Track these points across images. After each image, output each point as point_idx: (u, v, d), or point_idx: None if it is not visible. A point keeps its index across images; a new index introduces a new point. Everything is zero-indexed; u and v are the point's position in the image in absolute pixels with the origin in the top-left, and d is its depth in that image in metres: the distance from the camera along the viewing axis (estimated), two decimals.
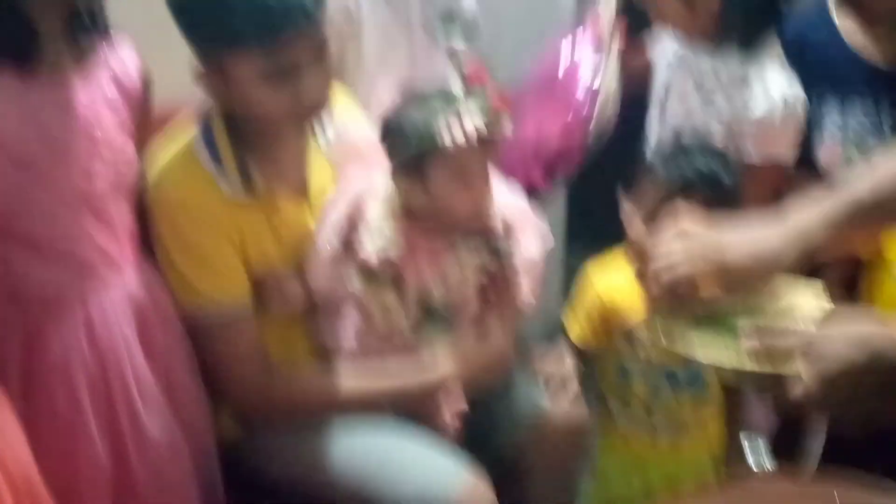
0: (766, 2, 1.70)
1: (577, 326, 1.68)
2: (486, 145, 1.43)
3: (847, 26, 1.72)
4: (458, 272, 1.50)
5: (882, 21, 1.68)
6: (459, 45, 1.48)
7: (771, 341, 1.01)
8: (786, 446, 1.90)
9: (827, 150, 1.71)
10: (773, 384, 0.99)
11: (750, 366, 1.01)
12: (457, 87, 1.43)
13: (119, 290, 1.32)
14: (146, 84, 1.41)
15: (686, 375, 1.63)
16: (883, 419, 0.95)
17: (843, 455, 1.59)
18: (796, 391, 0.95)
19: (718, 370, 1.07)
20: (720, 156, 1.58)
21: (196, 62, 1.36)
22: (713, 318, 1.14)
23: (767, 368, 1.00)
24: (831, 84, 1.71)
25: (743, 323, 1.10)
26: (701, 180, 1.51)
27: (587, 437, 1.61)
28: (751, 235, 1.14)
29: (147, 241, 1.41)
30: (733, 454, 1.72)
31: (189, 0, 1.33)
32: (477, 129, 1.40)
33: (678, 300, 1.14)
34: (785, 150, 1.69)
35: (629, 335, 1.61)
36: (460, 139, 1.39)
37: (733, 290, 1.13)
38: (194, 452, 1.39)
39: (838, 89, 1.70)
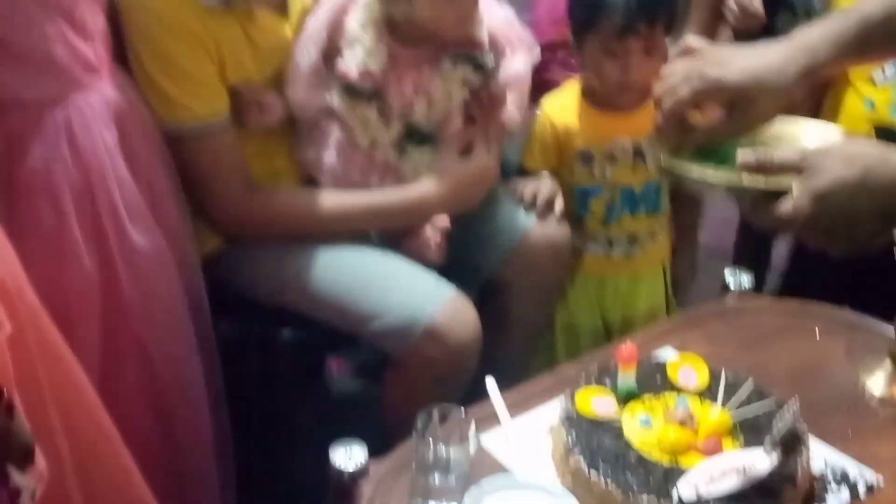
0: None
1: (532, 154, 1.68)
2: None
3: None
4: (442, 87, 1.47)
5: None
6: None
7: (765, 155, 0.99)
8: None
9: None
10: (765, 199, 0.98)
11: (743, 180, 1.00)
12: None
13: (97, 95, 1.28)
14: None
15: (640, 193, 1.67)
16: (869, 240, 0.95)
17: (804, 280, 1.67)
18: (787, 206, 0.94)
19: (712, 186, 1.05)
20: None
21: None
22: (712, 149, 1.12)
23: (761, 183, 0.98)
24: None
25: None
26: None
27: (568, 255, 1.63)
28: (753, 52, 1.10)
29: (121, 50, 1.37)
30: (682, 262, 1.82)
31: None
32: None
33: (681, 127, 1.11)
34: None
35: (585, 157, 1.63)
36: None
37: (733, 111, 1.09)
38: (179, 263, 1.39)
39: None
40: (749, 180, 0.99)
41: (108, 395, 1.14)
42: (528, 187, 1.59)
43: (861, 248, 0.96)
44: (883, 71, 1.61)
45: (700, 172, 1.05)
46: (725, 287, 1.42)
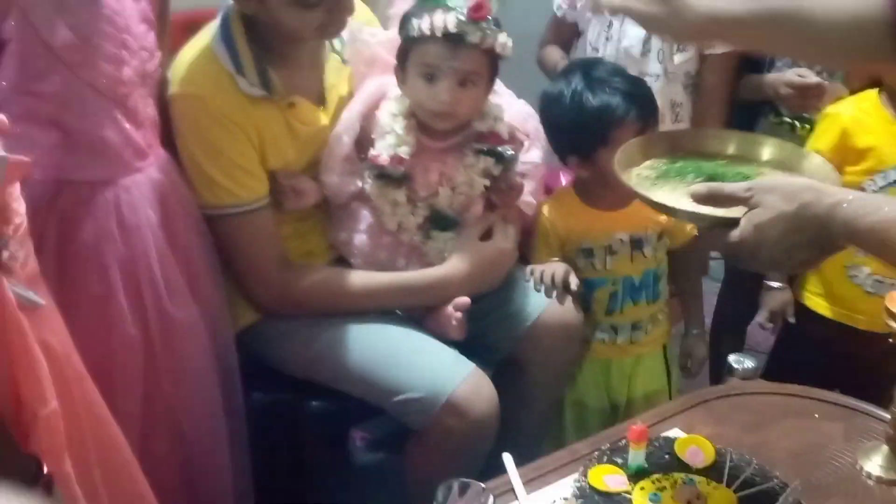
0: None
1: (538, 252, 1.75)
2: (459, 47, 1.47)
3: None
4: (465, 176, 1.56)
5: None
6: None
7: (716, 188, 1.10)
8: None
9: None
10: (715, 226, 1.09)
11: (697, 207, 1.10)
12: None
13: (144, 177, 1.38)
14: None
15: (640, 281, 1.75)
16: (806, 266, 1.04)
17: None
18: (733, 234, 1.04)
19: (672, 210, 1.14)
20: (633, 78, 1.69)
21: None
22: (673, 175, 1.22)
23: (710, 211, 1.09)
24: None
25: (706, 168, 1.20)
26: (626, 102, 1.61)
27: (580, 335, 1.70)
28: None
29: (168, 135, 1.47)
30: (691, 337, 1.90)
31: None
32: (445, 26, 1.44)
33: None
34: None
35: (587, 251, 1.72)
36: (425, 30, 1.45)
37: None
38: (213, 337, 1.47)
39: None
40: (701, 208, 1.09)
41: (143, 456, 1.21)
42: (544, 271, 1.67)
43: (798, 272, 1.06)
44: (872, 181, 1.70)
45: (662, 199, 1.13)
46: (730, 370, 1.49)
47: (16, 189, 1.01)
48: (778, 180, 1.09)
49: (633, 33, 1.87)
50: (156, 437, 1.38)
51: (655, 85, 1.86)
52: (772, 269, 1.14)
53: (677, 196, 1.14)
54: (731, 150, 1.28)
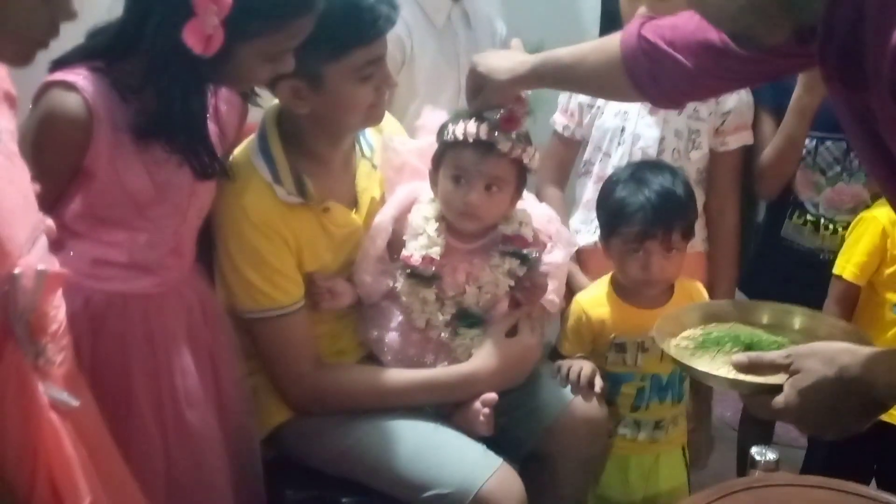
0: None
1: (568, 341, 1.81)
2: (489, 154, 1.57)
3: None
4: (491, 277, 1.63)
5: None
6: None
7: (757, 358, 1.17)
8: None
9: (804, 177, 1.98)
10: (760, 393, 1.15)
11: (737, 375, 1.18)
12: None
13: (174, 292, 1.45)
14: (243, 116, 1.57)
15: (668, 380, 1.80)
16: (856, 427, 1.08)
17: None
18: (779, 401, 1.10)
19: (714, 378, 1.22)
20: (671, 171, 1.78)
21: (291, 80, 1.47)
22: (710, 345, 1.30)
23: (752, 378, 1.16)
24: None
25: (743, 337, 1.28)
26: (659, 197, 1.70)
27: (605, 430, 1.73)
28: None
29: (208, 239, 1.54)
30: (700, 434, 1.99)
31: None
32: (477, 134, 1.55)
33: None
34: (749, 133, 1.98)
35: (619, 346, 1.77)
36: (459, 136, 1.56)
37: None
38: (234, 445, 1.50)
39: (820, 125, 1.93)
40: (746, 377, 1.18)
41: None
42: (571, 367, 1.71)
43: (849, 434, 1.10)
44: None
45: (705, 370, 1.22)
46: (752, 463, 1.51)
47: (55, 297, 1.06)
48: (816, 345, 1.15)
49: (648, 134, 1.93)
50: None
51: None
52: (819, 433, 1.19)
53: (717, 364, 1.24)
54: (764, 319, 1.39)
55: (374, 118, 1.59)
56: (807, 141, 1.95)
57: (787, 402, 1.09)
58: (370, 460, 1.56)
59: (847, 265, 1.85)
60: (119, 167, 1.31)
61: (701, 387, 1.93)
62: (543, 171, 1.92)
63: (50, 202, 1.27)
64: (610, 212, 1.75)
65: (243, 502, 1.52)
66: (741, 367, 1.16)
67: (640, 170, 1.78)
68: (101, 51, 1.31)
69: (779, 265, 2.04)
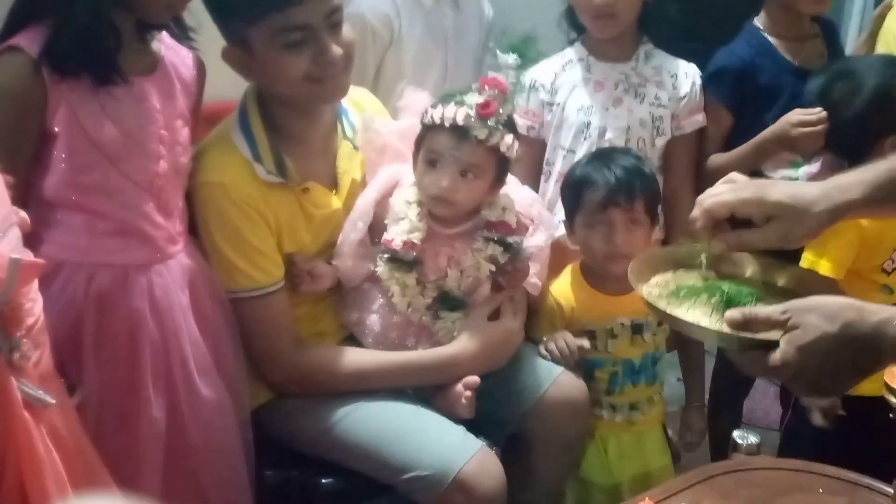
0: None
1: (541, 328, 1.80)
2: (464, 140, 1.55)
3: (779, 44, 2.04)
4: (473, 260, 1.62)
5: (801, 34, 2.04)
6: (509, 59, 1.62)
7: (751, 312, 1.10)
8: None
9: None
10: (753, 350, 1.09)
11: (728, 330, 1.11)
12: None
13: (175, 262, 1.45)
14: (201, 73, 1.56)
15: (640, 364, 1.80)
16: (850, 386, 1.05)
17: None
18: (776, 356, 1.04)
19: (702, 331, 1.16)
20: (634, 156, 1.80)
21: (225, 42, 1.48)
22: (699, 290, 1.23)
23: (748, 334, 1.10)
24: (773, 95, 1.99)
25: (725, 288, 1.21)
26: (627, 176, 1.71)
27: (586, 410, 1.73)
28: (792, 184, 1.25)
29: (191, 221, 1.54)
30: (691, 410, 2.01)
31: None
32: (454, 118, 1.53)
33: (714, 227, 1.21)
34: (702, 115, 2.01)
35: (589, 333, 1.77)
36: (436, 120, 1.54)
37: (766, 224, 1.19)
38: (238, 414, 1.51)
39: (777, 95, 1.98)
40: (737, 332, 1.10)
41: None
42: (557, 342, 1.71)
43: (842, 393, 1.06)
44: (892, 260, 1.80)
45: (695, 321, 1.15)
46: (734, 446, 1.52)
47: (31, 289, 1.05)
48: (814, 300, 1.08)
49: (614, 125, 1.94)
50: None
51: None
52: (815, 392, 1.13)
53: (697, 316, 1.17)
54: (747, 272, 1.31)
55: (326, 93, 1.55)
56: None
57: (784, 358, 1.03)
58: (350, 442, 1.56)
59: (821, 261, 1.84)
60: (83, 121, 1.32)
61: (692, 365, 1.93)
62: (515, 173, 1.90)
63: (25, 177, 1.27)
64: (574, 185, 1.77)
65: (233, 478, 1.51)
66: (735, 325, 1.09)
67: (604, 152, 1.82)
68: (31, 9, 1.32)
69: None
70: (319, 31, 1.46)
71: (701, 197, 1.24)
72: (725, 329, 1.12)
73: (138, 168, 1.38)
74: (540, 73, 1.98)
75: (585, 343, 1.72)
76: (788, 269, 1.32)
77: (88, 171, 1.35)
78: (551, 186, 1.98)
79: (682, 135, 1.99)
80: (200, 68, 1.55)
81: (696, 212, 1.23)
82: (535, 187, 2.00)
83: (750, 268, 1.32)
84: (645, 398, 1.83)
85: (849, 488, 1.40)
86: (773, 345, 1.06)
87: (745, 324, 1.10)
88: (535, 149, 2.00)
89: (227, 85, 1.58)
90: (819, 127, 1.83)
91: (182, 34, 1.49)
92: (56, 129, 1.31)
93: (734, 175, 1.26)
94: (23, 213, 1.08)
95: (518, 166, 1.79)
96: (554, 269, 1.84)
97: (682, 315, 1.17)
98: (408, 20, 1.95)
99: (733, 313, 1.11)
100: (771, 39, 2.05)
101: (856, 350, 1.01)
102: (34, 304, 1.05)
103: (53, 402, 1.03)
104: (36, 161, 1.34)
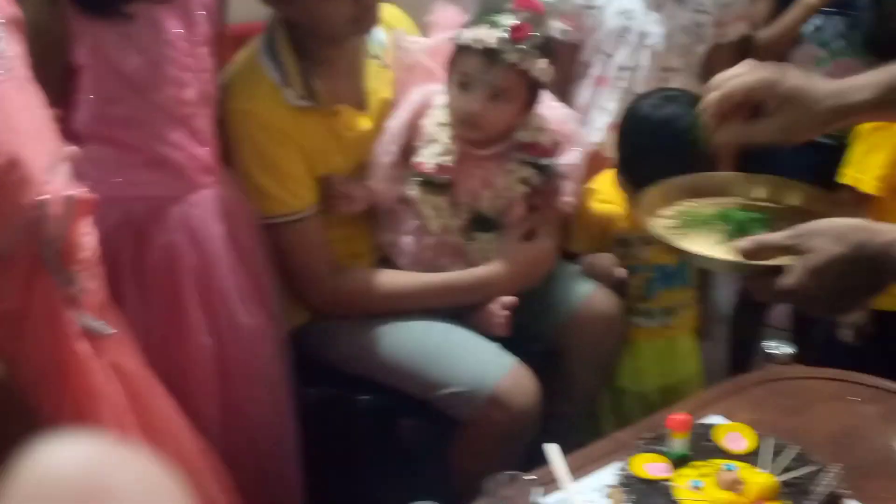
0: None
1: (577, 238, 1.81)
2: (495, 63, 1.52)
3: None
4: (506, 182, 1.62)
5: None
6: None
7: (760, 240, 1.10)
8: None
9: (803, 52, 1.97)
10: (765, 275, 1.09)
11: (739, 258, 1.11)
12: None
13: (210, 192, 1.46)
14: None
15: (674, 270, 1.80)
16: (863, 305, 1.05)
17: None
18: (788, 280, 1.04)
19: (713, 262, 1.16)
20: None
21: None
22: (710, 218, 1.23)
23: (763, 263, 1.09)
24: None
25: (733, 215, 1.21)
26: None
27: (620, 324, 1.75)
28: (812, 75, 1.20)
29: (224, 150, 1.53)
30: (707, 323, 1.98)
31: None
32: (485, 41, 1.50)
33: (723, 117, 1.18)
34: (746, 23, 1.97)
35: (623, 241, 1.77)
36: (468, 42, 1.52)
37: (776, 114, 1.16)
38: (277, 338, 1.54)
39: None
40: (751, 261, 1.10)
41: (222, 457, 1.29)
42: (601, 262, 1.73)
43: (856, 310, 1.06)
44: None
45: (706, 252, 1.15)
46: (768, 357, 1.53)
47: (85, 224, 1.07)
48: (822, 223, 1.07)
49: (655, 31, 1.89)
50: (233, 439, 1.45)
51: (677, 78, 1.89)
52: (828, 313, 1.13)
53: (709, 245, 1.16)
54: (758, 193, 1.30)
55: (363, 27, 1.54)
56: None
57: (798, 281, 1.03)
58: (387, 361, 1.59)
59: (864, 177, 1.81)
60: (107, 52, 1.32)
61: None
62: None
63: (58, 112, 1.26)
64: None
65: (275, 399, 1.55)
66: (748, 254, 1.09)
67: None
68: None
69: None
70: None
71: (717, 79, 1.20)
72: (736, 258, 1.12)
73: (166, 97, 1.38)
74: None
75: (621, 272, 1.72)
76: (799, 189, 1.30)
77: (116, 103, 1.34)
78: (588, 89, 1.95)
79: (726, 42, 1.93)
80: None
81: (712, 96, 1.19)
82: (566, 91, 1.96)
83: (760, 189, 1.31)
84: (680, 302, 1.84)
85: (882, 396, 1.41)
86: (780, 270, 1.06)
87: (757, 252, 1.09)
88: (565, 53, 1.94)
89: (253, 5, 1.54)
90: None
91: None
92: (82, 62, 1.31)
93: (751, 60, 1.23)
94: (73, 146, 1.08)
95: None
96: (591, 177, 1.83)
97: (691, 247, 1.16)
98: None
99: (744, 244, 1.11)
100: None
101: (868, 269, 1.01)
102: (89, 238, 1.07)
103: (113, 331, 1.06)
104: (65, 95, 1.33)
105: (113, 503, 0.45)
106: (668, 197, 1.29)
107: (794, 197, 1.29)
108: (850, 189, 1.83)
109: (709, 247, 1.17)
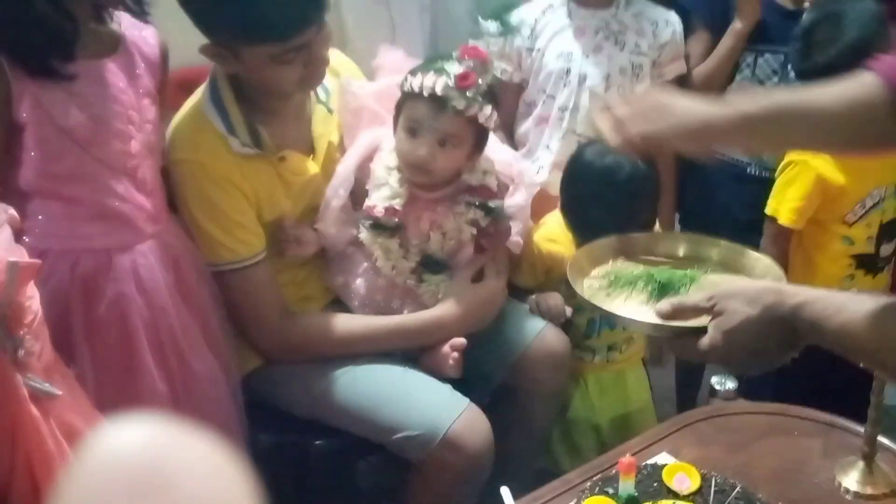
0: None
1: (522, 273, 1.83)
2: (443, 110, 1.54)
3: None
4: (455, 223, 1.63)
5: None
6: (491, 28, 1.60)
7: (679, 303, 1.17)
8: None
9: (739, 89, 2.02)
10: (682, 335, 1.16)
11: (658, 320, 1.18)
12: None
13: (157, 241, 1.45)
14: (164, 52, 1.53)
15: None
16: (777, 362, 1.11)
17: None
18: (705, 342, 1.11)
19: (635, 323, 1.22)
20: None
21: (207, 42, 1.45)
22: (634, 279, 1.30)
23: (677, 323, 1.16)
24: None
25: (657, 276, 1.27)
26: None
27: (568, 361, 1.76)
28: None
29: (171, 198, 1.53)
30: (656, 352, 2.03)
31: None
32: (433, 88, 1.52)
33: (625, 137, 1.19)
34: (682, 62, 2.04)
35: (568, 281, 1.78)
36: (415, 88, 1.54)
37: (666, 126, 1.15)
38: (229, 384, 1.54)
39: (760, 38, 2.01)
40: (666, 321, 1.17)
41: None
42: (545, 299, 1.75)
43: (772, 368, 1.12)
44: (854, 213, 1.86)
45: (629, 315, 1.21)
46: (713, 392, 1.57)
47: (29, 287, 1.06)
48: (737, 285, 1.15)
49: (594, 73, 1.94)
50: None
51: None
52: (744, 371, 1.23)
53: (633, 304, 1.24)
54: (680, 252, 1.37)
55: (310, 86, 1.56)
56: (746, 54, 2.02)
57: (712, 343, 1.10)
58: (341, 405, 1.59)
59: (781, 209, 1.88)
60: (49, 109, 1.31)
61: None
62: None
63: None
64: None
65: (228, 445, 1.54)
66: (665, 315, 1.17)
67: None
68: None
69: (708, 178, 2.10)
70: (312, 44, 1.44)
71: (623, 113, 1.20)
72: (657, 320, 1.18)
73: (110, 151, 1.37)
74: (520, 17, 1.95)
75: (568, 311, 1.75)
76: (719, 245, 1.37)
77: (60, 159, 1.34)
78: (531, 126, 1.98)
79: (663, 82, 1.99)
80: (163, 44, 1.53)
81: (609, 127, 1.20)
82: (509, 130, 2.00)
83: (682, 247, 1.38)
84: (622, 339, 1.87)
85: (823, 429, 1.45)
86: (702, 331, 1.12)
87: (675, 313, 1.16)
88: (508, 92, 1.99)
89: (195, 52, 1.54)
90: None
91: (140, 11, 1.45)
92: (24, 119, 1.30)
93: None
94: (11, 211, 1.07)
95: None
96: (537, 215, 1.86)
97: (615, 309, 1.22)
98: None
99: (663, 306, 1.18)
100: None
101: (780, 330, 1.06)
102: (33, 301, 1.06)
103: (60, 393, 1.05)
104: (8, 154, 1.32)
105: (176, 488, 0.46)
106: (596, 258, 1.35)
107: (713, 252, 1.36)
108: (773, 220, 1.90)
109: (633, 308, 1.23)
